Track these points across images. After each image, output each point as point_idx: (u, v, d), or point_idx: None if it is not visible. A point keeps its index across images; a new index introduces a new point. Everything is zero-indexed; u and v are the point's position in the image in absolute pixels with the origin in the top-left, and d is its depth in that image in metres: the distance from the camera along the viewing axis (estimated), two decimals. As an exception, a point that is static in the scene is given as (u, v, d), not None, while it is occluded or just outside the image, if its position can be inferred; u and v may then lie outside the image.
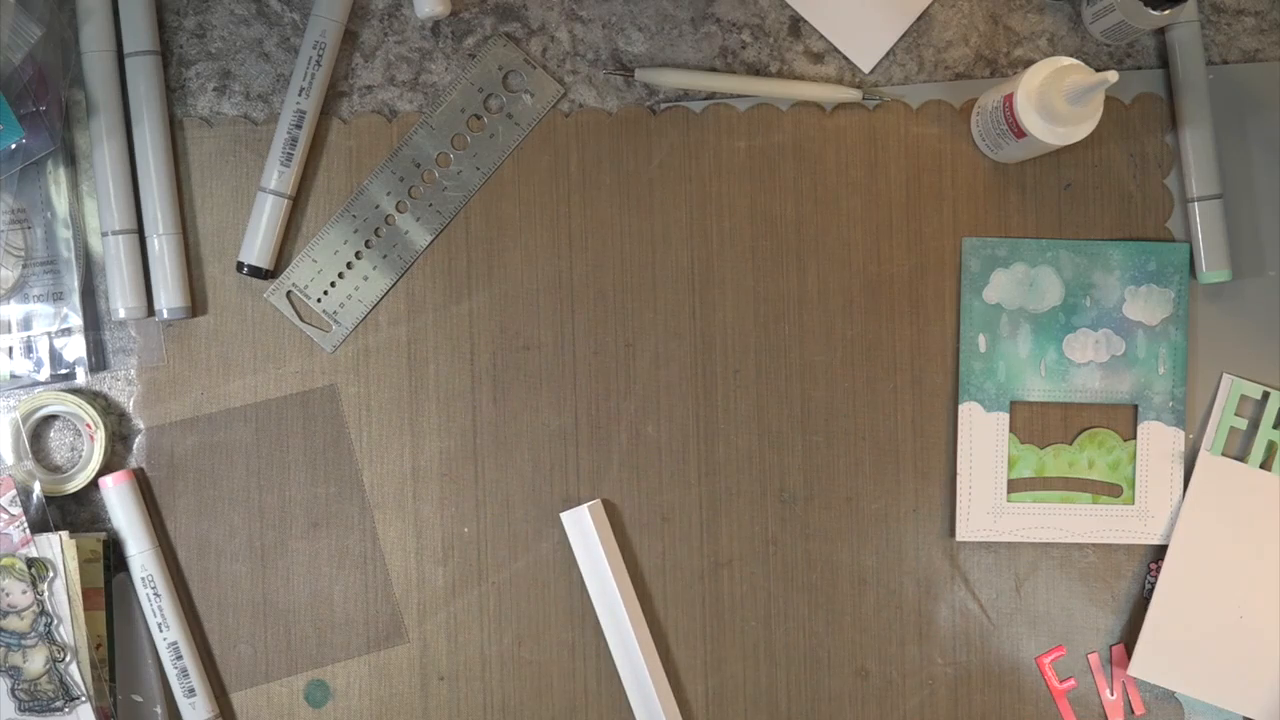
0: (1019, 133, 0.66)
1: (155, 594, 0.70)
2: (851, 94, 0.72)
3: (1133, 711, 0.73)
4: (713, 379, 0.72)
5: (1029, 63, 0.72)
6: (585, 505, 0.71)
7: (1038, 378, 0.72)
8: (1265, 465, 0.72)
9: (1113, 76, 0.61)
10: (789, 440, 0.72)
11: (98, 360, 0.72)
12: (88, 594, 0.69)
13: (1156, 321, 0.72)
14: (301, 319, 0.72)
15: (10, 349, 0.71)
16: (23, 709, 0.67)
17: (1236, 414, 0.72)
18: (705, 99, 0.72)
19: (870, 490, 0.72)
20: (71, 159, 0.71)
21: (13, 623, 0.67)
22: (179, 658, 0.70)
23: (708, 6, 0.72)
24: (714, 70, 0.72)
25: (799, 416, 0.72)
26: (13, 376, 0.71)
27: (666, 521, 0.72)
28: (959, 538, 0.72)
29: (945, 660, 0.72)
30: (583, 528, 0.71)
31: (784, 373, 0.72)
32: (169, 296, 0.71)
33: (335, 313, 0.72)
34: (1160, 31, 0.73)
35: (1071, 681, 0.73)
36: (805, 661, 0.72)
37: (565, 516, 0.71)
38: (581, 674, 0.72)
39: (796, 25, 0.73)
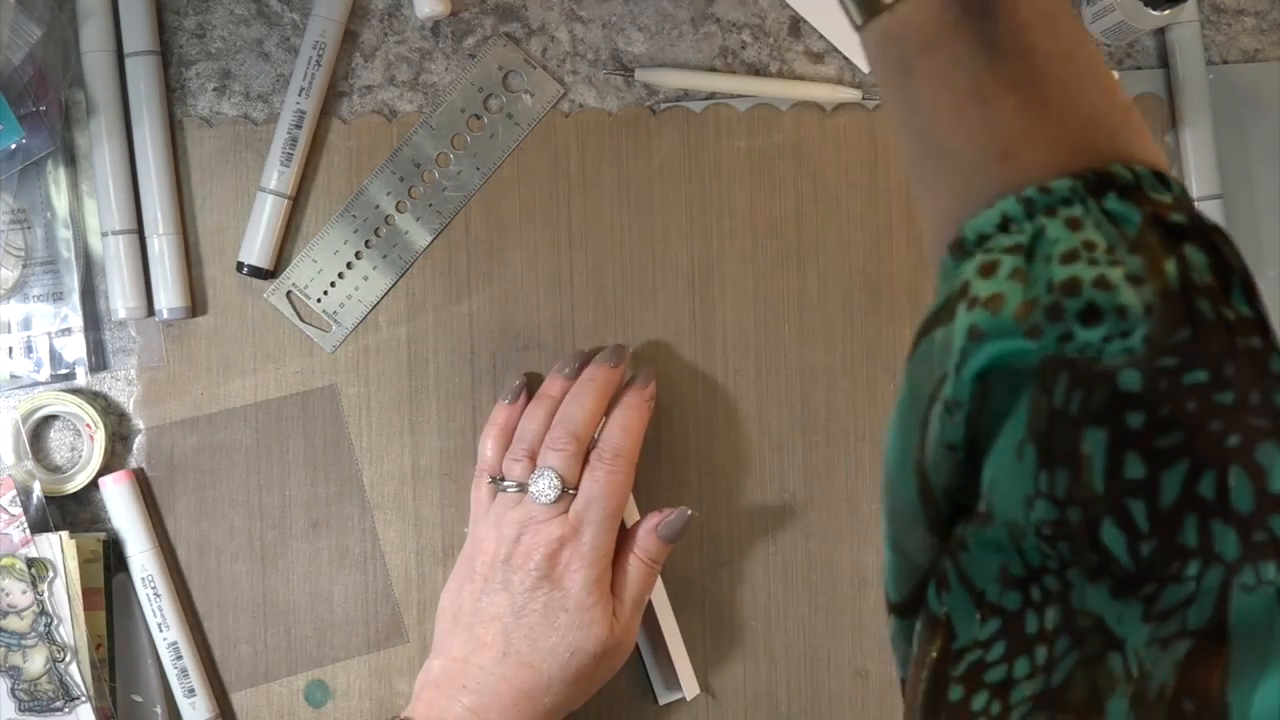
0: (1019, 133, 0.66)
1: (155, 594, 0.70)
2: (851, 94, 0.72)
3: (1133, 711, 0.73)
4: (713, 379, 0.72)
5: (1029, 63, 0.72)
6: None
7: (1038, 378, 0.72)
8: (1265, 465, 0.72)
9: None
10: (789, 441, 0.72)
11: (98, 360, 0.72)
12: (88, 594, 0.69)
13: (1156, 321, 0.72)
14: (301, 319, 0.72)
15: (10, 349, 0.71)
16: (23, 709, 0.67)
17: (1236, 414, 0.72)
18: (705, 99, 0.72)
19: (870, 490, 0.72)
20: (71, 159, 0.71)
21: (13, 623, 0.67)
22: (179, 658, 0.70)
23: (708, 6, 0.72)
24: (714, 70, 0.72)
25: (799, 417, 0.72)
26: (13, 376, 0.71)
27: (666, 521, 0.72)
28: (959, 538, 0.72)
29: (945, 660, 0.72)
30: None
31: (784, 373, 0.72)
32: (169, 296, 0.71)
33: (335, 313, 0.72)
34: (1160, 31, 0.73)
35: (1071, 681, 0.73)
36: (805, 661, 0.72)
37: None
38: (581, 674, 0.72)
39: (796, 25, 0.73)
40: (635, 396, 0.68)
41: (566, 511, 0.65)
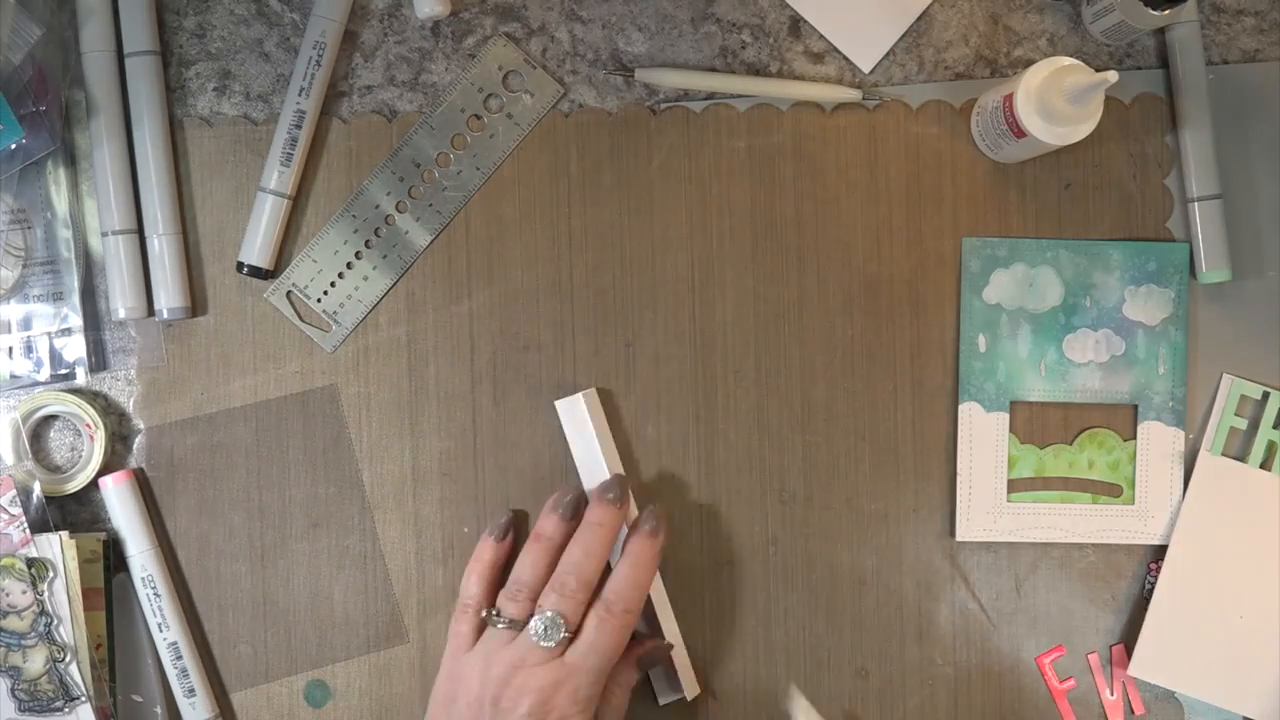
0: (1019, 133, 0.66)
1: (155, 594, 0.70)
2: (851, 94, 0.72)
3: (1133, 711, 0.73)
4: (713, 379, 0.72)
5: (1029, 63, 0.72)
6: (580, 393, 0.70)
7: (1038, 378, 0.72)
8: (1265, 465, 0.72)
9: (1113, 76, 0.61)
10: (789, 440, 0.72)
11: (98, 360, 0.72)
12: (88, 594, 0.69)
13: (1156, 321, 0.72)
14: (301, 319, 0.72)
15: (10, 349, 0.71)
16: (23, 709, 0.67)
17: (1236, 414, 0.72)
18: (705, 99, 0.72)
19: (870, 490, 0.72)
20: (71, 159, 0.71)
21: (13, 623, 0.67)
22: (179, 658, 0.70)
23: (708, 6, 0.72)
24: (714, 70, 0.72)
25: (799, 416, 0.72)
26: (13, 376, 0.71)
27: (666, 521, 0.72)
28: (959, 538, 0.72)
29: (945, 660, 0.72)
30: (577, 416, 0.70)
31: (784, 373, 0.72)
32: (169, 296, 0.71)
33: (335, 313, 0.72)
34: (1160, 31, 0.73)
35: (1071, 681, 0.73)
36: (805, 661, 0.72)
37: (560, 404, 0.70)
38: (581, 674, 0.72)
39: (796, 25, 0.73)
40: (649, 549, 0.67)
41: (563, 654, 0.64)
